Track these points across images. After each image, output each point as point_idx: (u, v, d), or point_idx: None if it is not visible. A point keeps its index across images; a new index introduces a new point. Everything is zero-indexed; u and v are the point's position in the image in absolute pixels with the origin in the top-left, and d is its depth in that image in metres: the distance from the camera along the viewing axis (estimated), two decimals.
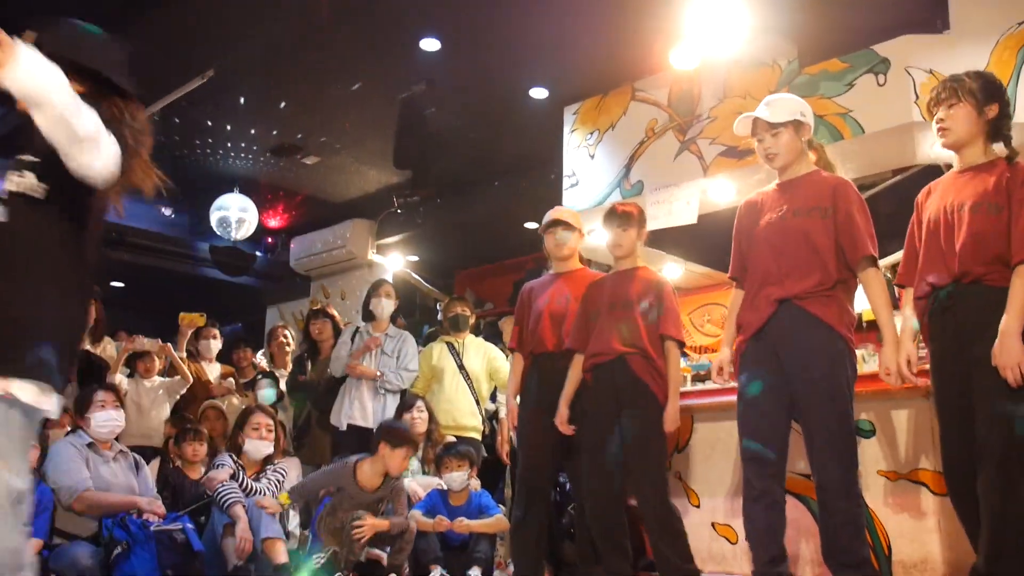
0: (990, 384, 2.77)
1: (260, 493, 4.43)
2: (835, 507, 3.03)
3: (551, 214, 4.27)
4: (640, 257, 4.01)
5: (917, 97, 4.76)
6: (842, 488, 3.02)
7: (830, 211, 3.19)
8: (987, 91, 3.00)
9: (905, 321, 3.13)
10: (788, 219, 3.24)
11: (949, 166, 3.21)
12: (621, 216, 3.89)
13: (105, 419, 4.49)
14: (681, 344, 3.81)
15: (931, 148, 4.89)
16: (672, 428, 3.69)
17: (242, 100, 6.98)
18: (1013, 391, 2.71)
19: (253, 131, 7.56)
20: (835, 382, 3.07)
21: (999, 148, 3.05)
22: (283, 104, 7.05)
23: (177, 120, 7.19)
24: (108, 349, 6.01)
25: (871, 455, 3.68)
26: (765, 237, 3.29)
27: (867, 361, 3.87)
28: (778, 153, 3.31)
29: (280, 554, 4.20)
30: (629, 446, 3.66)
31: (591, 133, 6.36)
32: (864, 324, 4.18)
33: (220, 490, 4.30)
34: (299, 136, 7.61)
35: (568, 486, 4.52)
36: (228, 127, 7.47)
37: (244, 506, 4.26)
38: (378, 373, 5.43)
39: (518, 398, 4.21)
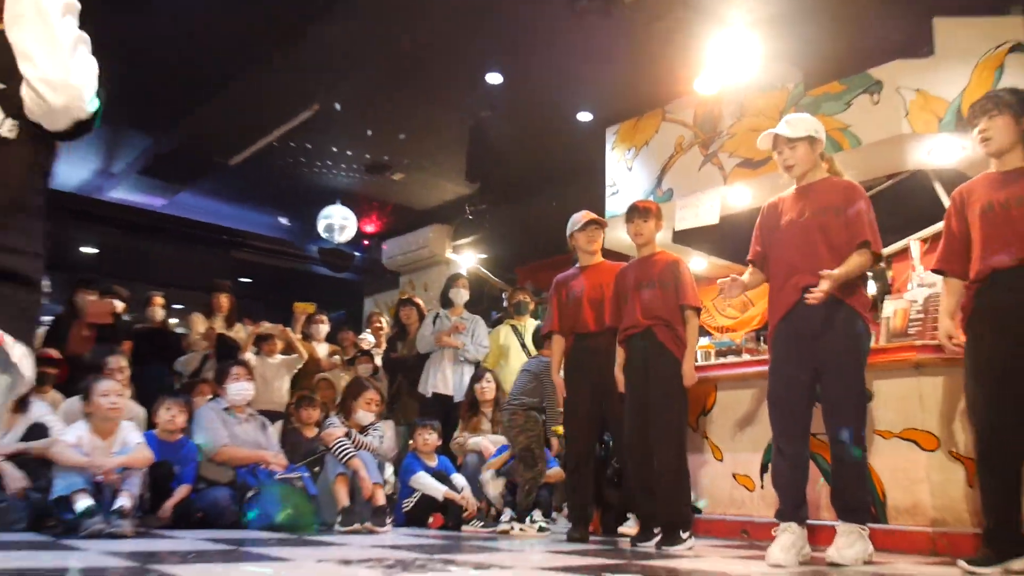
0: None
1: (367, 447, 4.51)
2: (847, 459, 3.00)
3: (586, 215, 4.19)
4: (657, 244, 3.97)
5: (907, 113, 4.68)
6: (854, 444, 2.99)
7: (843, 209, 3.12)
8: (1023, 104, 2.88)
9: (949, 303, 3.01)
10: (808, 218, 3.17)
11: (987, 171, 3.02)
12: (642, 210, 3.88)
13: (239, 388, 4.67)
14: (698, 310, 3.75)
15: (927, 154, 4.81)
16: (689, 383, 3.64)
17: (342, 128, 7.14)
18: None
19: (351, 153, 7.74)
20: (854, 354, 3.04)
21: None
22: (375, 130, 7.19)
23: (291, 145, 7.38)
24: (240, 332, 6.19)
25: (870, 417, 3.63)
26: (788, 234, 3.22)
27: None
28: (795, 164, 3.24)
29: (380, 498, 4.31)
30: (654, 403, 3.66)
31: (629, 149, 6.35)
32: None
33: (337, 445, 4.39)
34: (389, 156, 7.76)
35: (611, 443, 4.53)
36: (331, 150, 7.64)
37: (359, 459, 4.37)
38: (461, 344, 5.64)
39: (562, 372, 4.20)
